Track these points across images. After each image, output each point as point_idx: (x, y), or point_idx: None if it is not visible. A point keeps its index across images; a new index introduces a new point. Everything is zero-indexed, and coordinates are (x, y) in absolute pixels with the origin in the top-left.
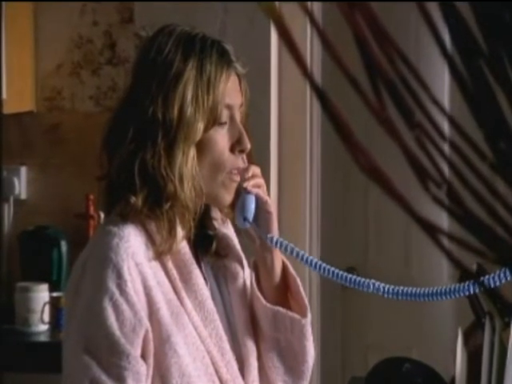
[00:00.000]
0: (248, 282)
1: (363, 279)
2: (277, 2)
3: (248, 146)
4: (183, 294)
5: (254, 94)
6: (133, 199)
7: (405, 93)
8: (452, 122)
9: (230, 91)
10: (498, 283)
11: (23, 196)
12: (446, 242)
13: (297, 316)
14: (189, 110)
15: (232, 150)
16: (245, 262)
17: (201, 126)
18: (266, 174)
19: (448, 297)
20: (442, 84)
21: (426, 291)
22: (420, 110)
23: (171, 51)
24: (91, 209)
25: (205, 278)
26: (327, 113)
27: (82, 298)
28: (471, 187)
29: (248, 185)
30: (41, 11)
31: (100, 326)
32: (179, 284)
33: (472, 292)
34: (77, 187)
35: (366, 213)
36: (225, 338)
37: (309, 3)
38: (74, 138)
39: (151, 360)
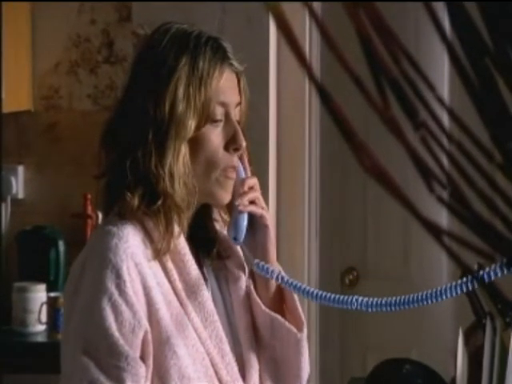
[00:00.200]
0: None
1: (346, 297)
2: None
3: (243, 144)
4: (183, 294)
5: (252, 92)
6: (129, 197)
7: (409, 92)
8: (459, 122)
9: (225, 88)
10: (492, 277)
11: (20, 195)
12: (447, 241)
13: (293, 329)
14: (180, 107)
15: (226, 148)
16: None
17: (192, 123)
18: (264, 173)
19: (439, 299)
20: (442, 83)
21: (415, 297)
22: (425, 109)
23: (166, 48)
24: (89, 208)
25: (205, 280)
26: (330, 113)
27: (81, 299)
28: (477, 188)
29: (241, 202)
30: (38, 10)
31: (99, 327)
32: (179, 285)
33: (460, 293)
34: (75, 187)
35: (364, 212)
36: (225, 339)
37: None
38: (71, 136)
39: (150, 361)
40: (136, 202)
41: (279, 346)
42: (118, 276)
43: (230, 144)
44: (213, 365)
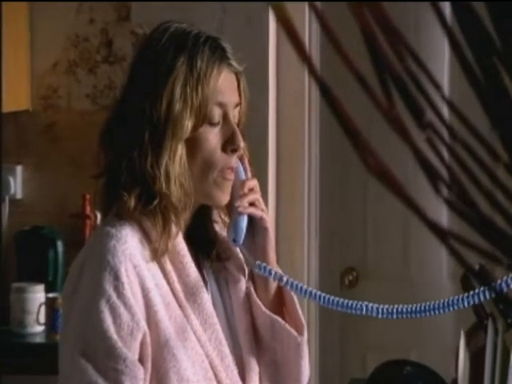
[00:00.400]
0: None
1: (356, 302)
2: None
3: (241, 145)
4: (182, 296)
5: (251, 92)
6: (125, 198)
7: (415, 91)
8: (466, 122)
9: (223, 89)
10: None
11: (19, 195)
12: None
13: (293, 332)
14: (177, 107)
15: (224, 148)
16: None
17: (189, 123)
18: (263, 173)
19: (446, 310)
20: (442, 79)
21: (423, 307)
22: (431, 109)
23: (164, 47)
24: (88, 208)
25: (205, 281)
26: (334, 113)
27: (79, 301)
28: (484, 189)
29: (241, 204)
30: (36, 9)
31: (97, 330)
32: (178, 287)
33: (469, 305)
34: (73, 187)
35: (364, 212)
36: (224, 341)
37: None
38: (70, 136)
39: (149, 364)
40: (133, 202)
41: (279, 348)
42: (117, 278)
43: (228, 145)
44: (212, 367)
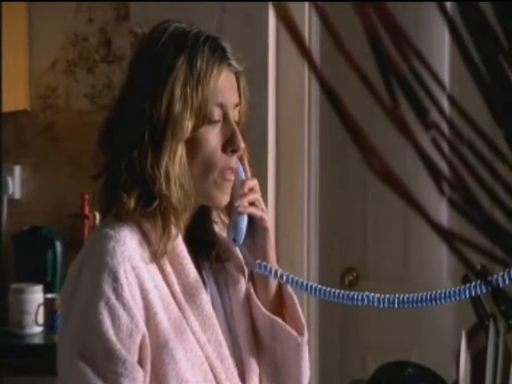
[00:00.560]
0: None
1: (357, 293)
2: None
3: (241, 145)
4: (181, 298)
5: (251, 92)
6: (125, 199)
7: (419, 91)
8: (472, 123)
9: (223, 89)
10: (501, 284)
11: (17, 196)
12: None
13: (294, 333)
14: (177, 107)
15: (224, 149)
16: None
17: (189, 123)
18: (263, 173)
19: (448, 300)
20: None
21: (424, 296)
22: (435, 108)
23: (163, 47)
24: (86, 209)
25: (204, 283)
26: (338, 114)
27: (78, 302)
28: (490, 191)
29: (241, 203)
30: (35, 9)
31: (95, 332)
32: (177, 288)
33: (471, 295)
34: (72, 187)
35: (364, 212)
36: (224, 343)
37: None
38: (68, 136)
39: (148, 366)
40: (132, 203)
41: (280, 349)
42: (115, 280)
43: (228, 145)
44: (212, 369)
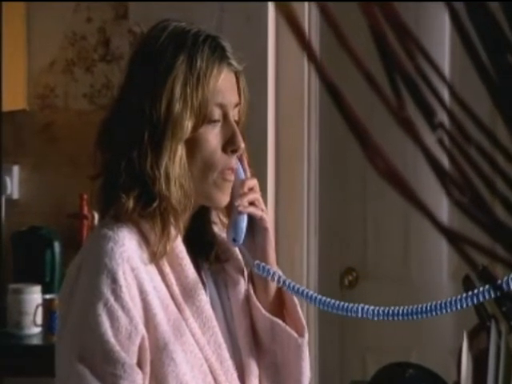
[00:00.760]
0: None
1: (351, 305)
2: None
3: (241, 145)
4: (180, 299)
5: (250, 92)
6: (124, 199)
7: (426, 91)
8: (480, 123)
9: (223, 89)
10: (506, 288)
11: (16, 196)
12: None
13: (294, 334)
14: (177, 107)
15: (224, 149)
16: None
17: (189, 123)
18: (263, 173)
19: (444, 311)
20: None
21: (420, 308)
22: (442, 108)
23: (163, 46)
24: (85, 209)
25: (204, 284)
26: (340, 111)
27: (77, 304)
28: (499, 193)
29: (241, 203)
30: (34, 8)
31: (94, 333)
32: (176, 289)
33: (467, 306)
34: (71, 187)
35: (364, 212)
36: (224, 345)
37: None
38: (67, 136)
39: (148, 368)
40: (131, 204)
41: (280, 350)
42: (114, 281)
43: (228, 145)
44: (211, 371)
